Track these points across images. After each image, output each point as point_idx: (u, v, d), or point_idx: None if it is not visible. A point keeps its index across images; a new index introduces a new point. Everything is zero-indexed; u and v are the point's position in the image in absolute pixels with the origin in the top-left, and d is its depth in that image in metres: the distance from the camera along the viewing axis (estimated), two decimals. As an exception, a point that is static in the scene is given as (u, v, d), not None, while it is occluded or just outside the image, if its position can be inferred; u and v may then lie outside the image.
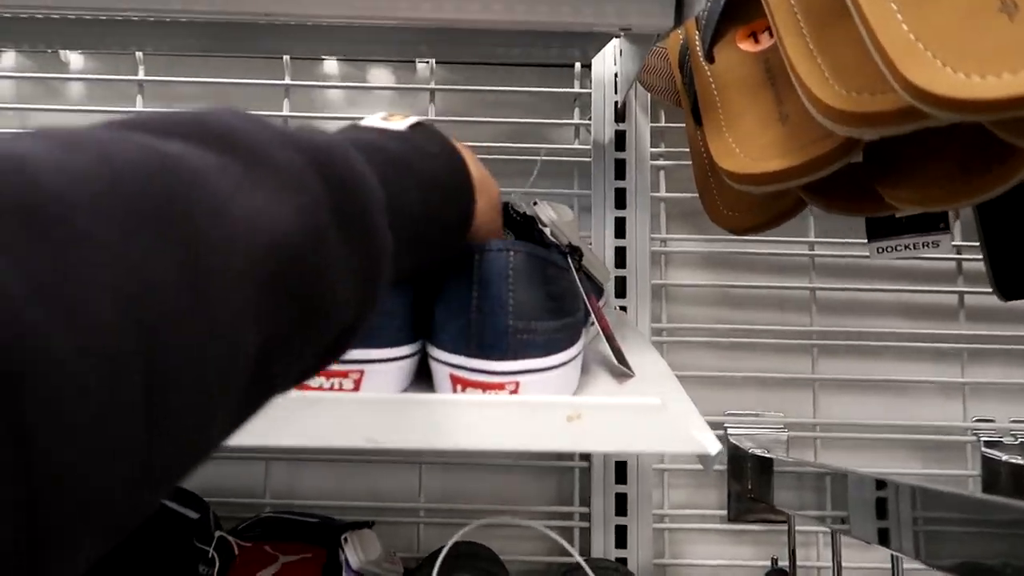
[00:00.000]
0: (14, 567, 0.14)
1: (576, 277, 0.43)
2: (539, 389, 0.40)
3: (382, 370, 0.41)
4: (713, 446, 0.36)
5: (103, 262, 0.16)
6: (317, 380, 0.40)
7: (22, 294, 0.14)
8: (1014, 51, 0.30)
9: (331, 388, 0.40)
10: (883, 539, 0.49)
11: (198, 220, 0.19)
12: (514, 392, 0.40)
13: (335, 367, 0.40)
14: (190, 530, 0.58)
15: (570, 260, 0.43)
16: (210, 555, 0.56)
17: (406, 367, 0.42)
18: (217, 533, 0.57)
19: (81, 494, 0.15)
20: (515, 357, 0.39)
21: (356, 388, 0.41)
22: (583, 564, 0.52)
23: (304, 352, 0.24)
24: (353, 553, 0.56)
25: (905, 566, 0.52)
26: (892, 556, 0.50)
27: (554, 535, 0.54)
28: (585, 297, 0.44)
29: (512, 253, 0.39)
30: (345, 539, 0.57)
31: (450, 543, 0.51)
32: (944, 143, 0.42)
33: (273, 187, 0.22)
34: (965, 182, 0.41)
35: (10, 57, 0.81)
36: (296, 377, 0.27)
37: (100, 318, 0.15)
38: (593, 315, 0.45)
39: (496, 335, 0.39)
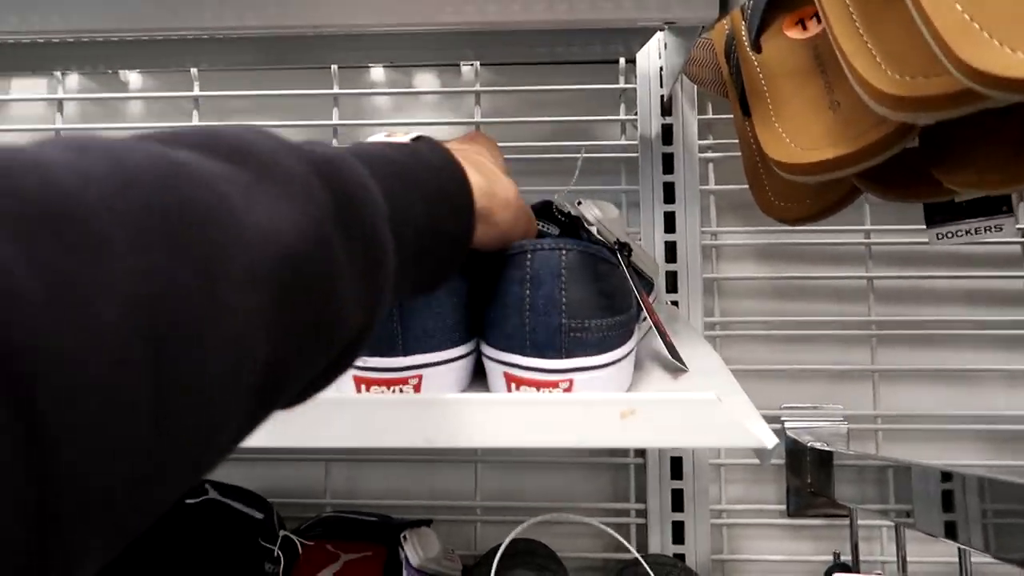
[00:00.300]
0: (24, 567, 0.14)
1: (627, 273, 0.43)
2: (593, 386, 0.40)
3: (440, 372, 0.41)
4: (770, 440, 0.36)
5: (117, 267, 0.16)
6: (379, 389, 0.41)
7: (38, 297, 0.14)
8: (1075, 27, 0.30)
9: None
10: (950, 532, 0.47)
11: (211, 227, 0.19)
12: (567, 390, 0.39)
13: (393, 375, 0.41)
14: (255, 530, 0.59)
15: (619, 256, 0.43)
16: (275, 554, 0.57)
17: (463, 367, 0.42)
18: (281, 532, 0.59)
19: (85, 492, 0.15)
20: (569, 355, 0.39)
21: (417, 393, 0.41)
22: (641, 560, 0.52)
23: (313, 363, 0.24)
24: (412, 551, 0.57)
25: (973, 560, 0.51)
26: (959, 549, 0.48)
27: (611, 531, 0.54)
28: (637, 292, 0.44)
29: (564, 251, 0.39)
30: (404, 537, 0.58)
31: (507, 540, 0.51)
32: (1002, 124, 0.41)
33: (281, 196, 0.22)
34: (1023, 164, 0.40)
35: (74, 79, 0.84)
36: (303, 390, 0.27)
37: (110, 323, 0.15)
38: (644, 310, 0.45)
39: (550, 334, 0.39)
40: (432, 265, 0.34)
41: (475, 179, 0.36)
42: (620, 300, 0.42)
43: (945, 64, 0.32)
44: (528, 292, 0.39)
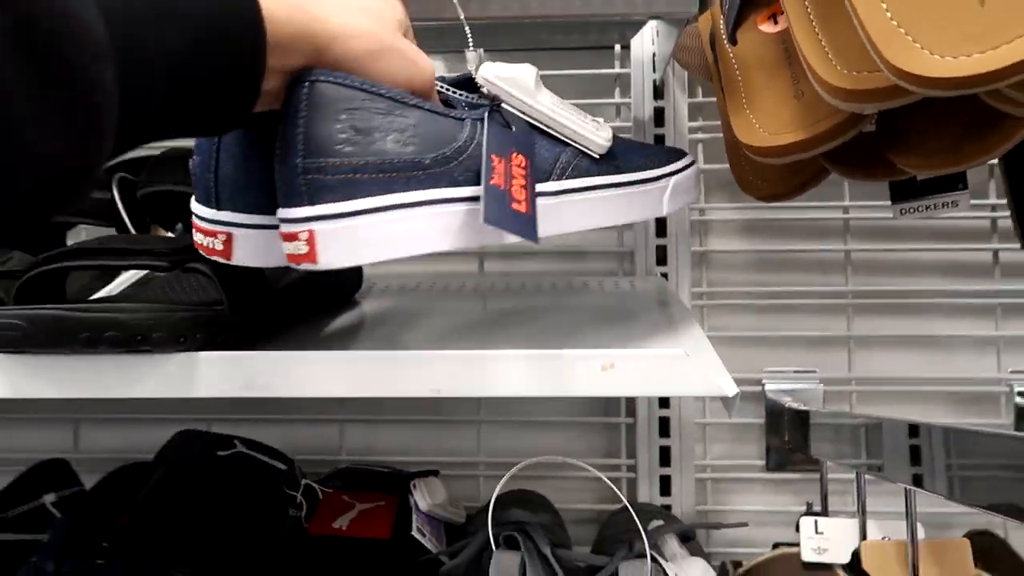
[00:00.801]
0: None
1: (476, 121, 0.40)
2: (337, 240, 0.36)
3: (251, 237, 0.40)
4: (731, 389, 0.42)
5: None
6: (197, 236, 0.41)
7: None
8: (984, 34, 0.35)
9: (209, 247, 0.40)
10: (917, 482, 0.52)
11: None
12: (310, 242, 0.35)
13: (207, 226, 0.40)
14: (280, 479, 0.66)
15: (491, 109, 0.41)
16: (298, 500, 0.64)
17: (275, 237, 0.39)
18: (303, 481, 0.65)
19: None
20: (310, 203, 0.35)
21: (227, 250, 0.39)
22: (628, 506, 0.58)
23: None
24: (421, 497, 0.63)
25: (934, 510, 0.56)
26: (906, 491, 0.54)
27: (601, 475, 0.60)
28: (486, 144, 0.39)
29: (308, 83, 0.35)
30: (414, 485, 0.64)
31: (503, 481, 0.57)
32: (943, 113, 0.46)
33: None
34: (962, 148, 0.45)
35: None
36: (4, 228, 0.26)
37: None
38: (485, 167, 0.39)
39: (289, 178, 0.35)
40: (200, 104, 0.31)
41: (289, 7, 0.33)
42: (401, 140, 0.37)
43: (878, 63, 0.37)
44: (279, 137, 0.36)
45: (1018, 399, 0.78)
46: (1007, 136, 0.44)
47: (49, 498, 0.67)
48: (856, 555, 0.58)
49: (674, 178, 0.54)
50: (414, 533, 0.60)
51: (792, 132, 0.50)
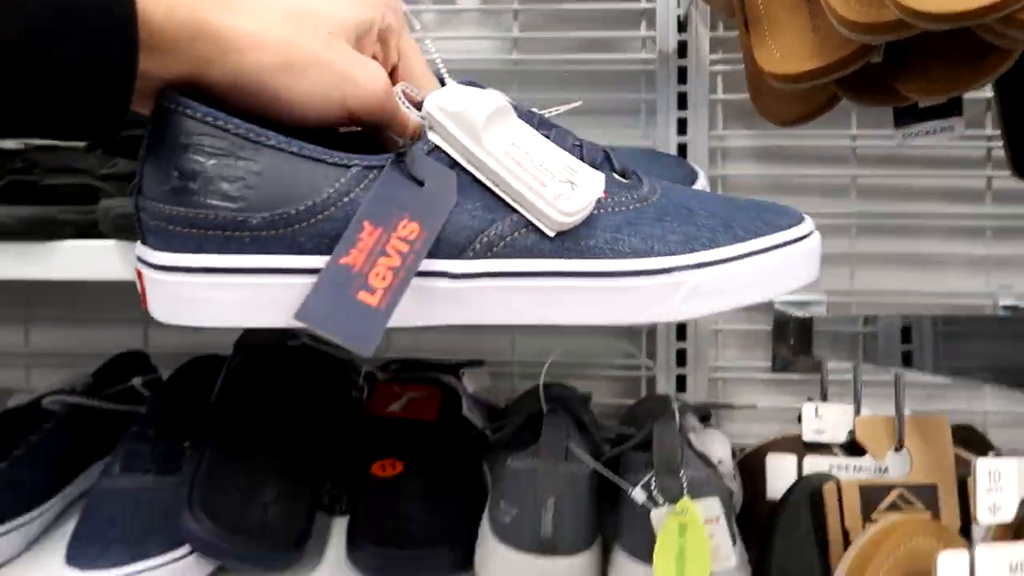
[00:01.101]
0: None
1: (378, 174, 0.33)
2: (161, 293, 0.32)
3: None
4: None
5: None
6: None
7: None
8: (975, -26, 0.41)
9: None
10: (907, 364, 0.56)
11: None
12: (140, 281, 0.33)
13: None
14: (343, 368, 0.75)
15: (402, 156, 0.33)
16: (360, 383, 0.73)
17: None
18: (364, 368, 0.74)
19: None
20: (142, 241, 0.33)
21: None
22: (673, 398, 0.67)
23: None
24: (470, 381, 0.72)
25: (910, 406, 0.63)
26: (895, 374, 0.62)
27: (626, 344, 0.69)
28: (364, 205, 0.32)
29: (158, 109, 0.31)
30: (462, 372, 0.73)
31: (547, 365, 0.65)
32: (942, 44, 0.53)
33: None
34: (958, 75, 0.52)
35: None
36: None
37: None
38: (347, 237, 0.31)
39: (136, 214, 0.33)
40: (49, 104, 0.27)
41: (170, 3, 0.28)
42: (218, 192, 0.31)
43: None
44: None
45: (1002, 312, 0.86)
46: (997, 64, 0.51)
47: (137, 381, 0.76)
48: (851, 435, 0.67)
49: (698, 273, 0.38)
50: (465, 412, 0.69)
51: (809, 61, 0.57)
